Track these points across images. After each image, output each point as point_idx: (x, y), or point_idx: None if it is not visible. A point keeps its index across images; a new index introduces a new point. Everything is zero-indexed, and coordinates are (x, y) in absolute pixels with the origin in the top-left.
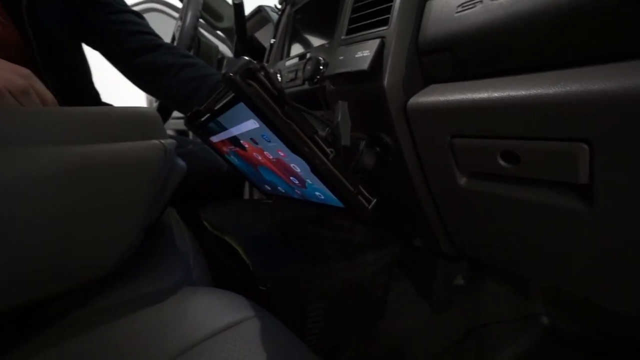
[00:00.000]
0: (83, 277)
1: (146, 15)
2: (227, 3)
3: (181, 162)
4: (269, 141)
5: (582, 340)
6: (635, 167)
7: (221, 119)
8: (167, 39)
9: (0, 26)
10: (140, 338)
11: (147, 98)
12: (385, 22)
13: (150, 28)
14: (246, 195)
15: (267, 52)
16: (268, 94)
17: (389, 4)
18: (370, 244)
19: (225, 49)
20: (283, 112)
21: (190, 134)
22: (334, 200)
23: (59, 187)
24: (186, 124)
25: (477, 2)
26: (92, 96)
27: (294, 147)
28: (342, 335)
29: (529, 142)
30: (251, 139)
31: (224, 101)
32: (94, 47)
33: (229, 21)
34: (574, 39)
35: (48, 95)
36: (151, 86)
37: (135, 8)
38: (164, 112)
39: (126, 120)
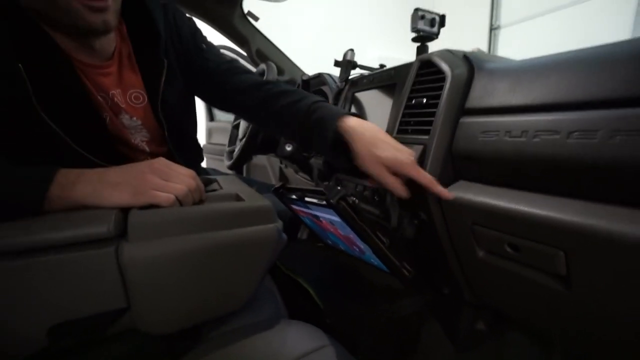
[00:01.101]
0: (223, 310)
1: None
2: (288, 58)
3: (284, 236)
4: (345, 228)
5: None
6: (600, 272)
7: (309, 203)
8: None
9: (152, 117)
10: (256, 355)
11: (206, 130)
12: (427, 132)
13: (246, 68)
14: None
15: None
16: (351, 209)
17: (431, 118)
18: (407, 291)
19: None
20: (359, 219)
21: (244, 170)
22: (383, 266)
23: (218, 258)
24: (274, 192)
25: (494, 134)
26: (199, 151)
27: (363, 239)
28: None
29: (525, 241)
30: (330, 222)
31: (317, 201)
32: (201, 98)
33: (289, 74)
34: (562, 179)
35: (202, 187)
36: (257, 118)
37: None
38: (245, 155)
39: (253, 211)
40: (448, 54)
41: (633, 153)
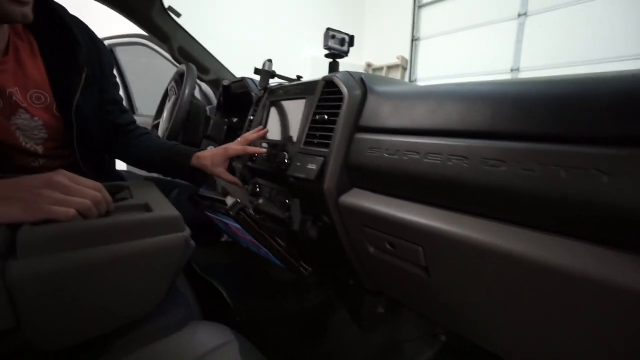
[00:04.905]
0: (128, 319)
1: (131, 49)
2: (214, 58)
3: (192, 243)
4: (248, 233)
5: (470, 353)
6: (447, 263)
7: (218, 212)
8: (149, 70)
9: (54, 118)
10: (161, 358)
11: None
12: (327, 146)
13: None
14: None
15: (246, 125)
16: (250, 218)
17: (331, 134)
18: (314, 284)
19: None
20: (258, 226)
21: None
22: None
23: (121, 270)
24: (189, 199)
25: (377, 150)
26: (110, 166)
27: (263, 244)
28: (293, 347)
29: (397, 239)
30: (237, 228)
31: (222, 212)
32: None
33: (214, 74)
34: (422, 190)
35: (109, 199)
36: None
37: (123, 40)
38: None
39: (160, 221)
40: (348, 76)
41: (461, 173)
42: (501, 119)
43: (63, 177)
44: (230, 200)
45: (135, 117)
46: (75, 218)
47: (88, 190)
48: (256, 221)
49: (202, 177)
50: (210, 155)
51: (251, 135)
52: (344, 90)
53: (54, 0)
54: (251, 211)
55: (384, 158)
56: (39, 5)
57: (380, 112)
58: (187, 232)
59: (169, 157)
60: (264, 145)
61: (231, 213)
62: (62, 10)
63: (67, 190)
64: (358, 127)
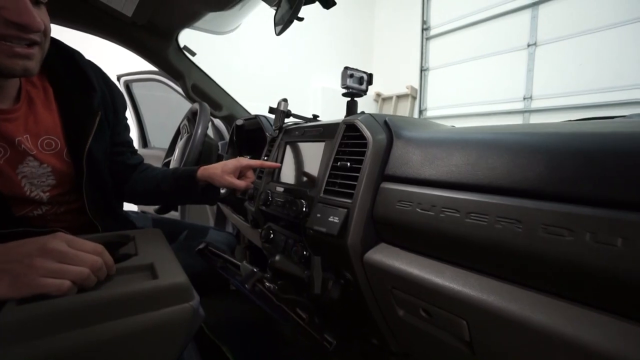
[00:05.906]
0: None
1: (147, 84)
2: (227, 94)
3: (201, 312)
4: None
5: None
6: (497, 342)
7: (229, 273)
8: (163, 104)
9: (63, 164)
10: None
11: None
12: (350, 196)
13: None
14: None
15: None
16: (267, 291)
17: (354, 182)
18: (335, 349)
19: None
20: (276, 298)
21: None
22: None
23: (121, 349)
24: (198, 252)
25: (408, 204)
26: (116, 209)
27: (282, 318)
28: None
29: (435, 308)
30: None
31: (234, 277)
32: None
33: (227, 110)
34: (464, 254)
35: (110, 261)
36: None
37: (139, 77)
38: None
39: (165, 291)
40: (370, 119)
41: (512, 239)
42: (567, 178)
43: (59, 242)
44: (245, 268)
45: (148, 150)
46: (69, 291)
47: (86, 256)
48: (274, 294)
49: (214, 192)
50: (220, 165)
51: (267, 162)
52: (368, 134)
53: (69, 46)
54: (267, 283)
55: (416, 213)
56: (55, 52)
57: (409, 160)
58: (196, 300)
59: (175, 179)
60: (279, 189)
61: (247, 287)
62: (77, 55)
63: (63, 257)
64: (384, 176)
